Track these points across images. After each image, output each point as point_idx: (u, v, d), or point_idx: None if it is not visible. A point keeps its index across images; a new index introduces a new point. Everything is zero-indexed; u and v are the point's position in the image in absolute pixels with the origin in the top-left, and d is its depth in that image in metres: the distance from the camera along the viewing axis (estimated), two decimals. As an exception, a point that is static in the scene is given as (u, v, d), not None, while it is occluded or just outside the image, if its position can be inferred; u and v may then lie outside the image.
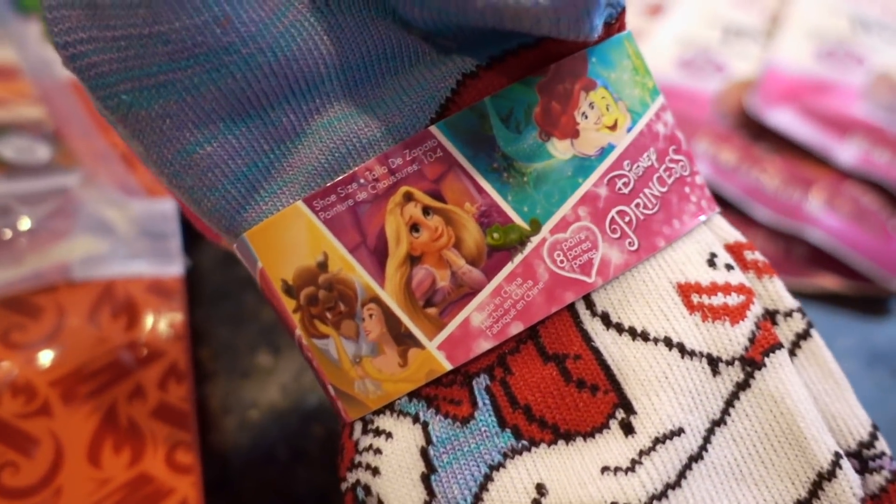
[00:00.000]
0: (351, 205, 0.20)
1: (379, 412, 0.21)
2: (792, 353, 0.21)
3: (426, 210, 0.20)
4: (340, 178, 0.20)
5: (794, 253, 0.41)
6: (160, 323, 0.30)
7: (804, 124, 0.42)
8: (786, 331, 0.21)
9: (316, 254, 0.20)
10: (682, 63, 0.47)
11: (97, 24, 0.18)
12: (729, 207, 0.42)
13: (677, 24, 0.49)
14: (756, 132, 0.43)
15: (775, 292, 0.22)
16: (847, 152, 0.41)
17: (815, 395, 0.21)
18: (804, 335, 0.21)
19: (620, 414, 0.20)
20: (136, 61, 0.18)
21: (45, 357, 0.29)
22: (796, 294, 0.39)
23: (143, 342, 0.30)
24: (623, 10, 0.21)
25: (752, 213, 0.42)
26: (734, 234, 0.22)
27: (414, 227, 0.20)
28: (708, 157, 0.43)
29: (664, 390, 0.20)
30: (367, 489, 0.20)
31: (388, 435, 0.20)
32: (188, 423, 0.28)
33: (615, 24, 0.21)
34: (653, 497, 0.19)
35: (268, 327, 0.35)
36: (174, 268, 0.33)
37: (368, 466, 0.20)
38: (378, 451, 0.20)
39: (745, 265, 0.22)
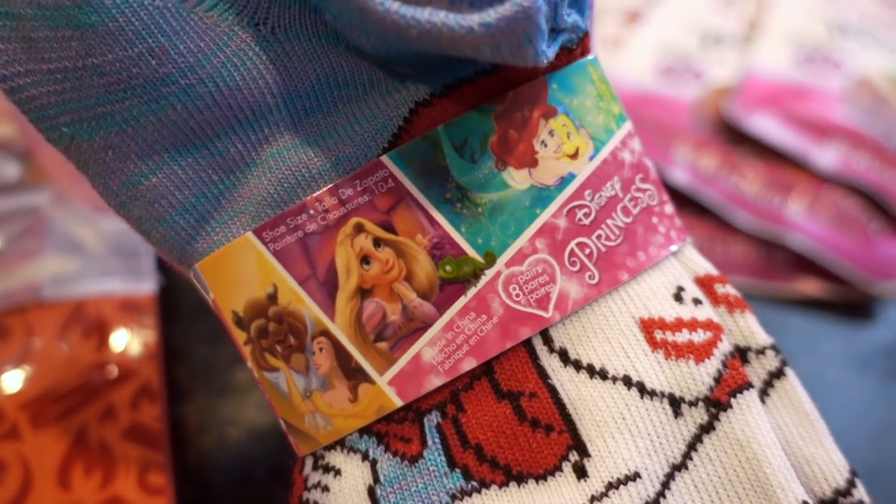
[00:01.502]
0: (300, 236, 0.20)
1: (330, 447, 0.20)
2: (764, 393, 0.20)
3: (377, 242, 0.19)
4: (289, 208, 0.20)
5: (776, 258, 0.40)
6: (132, 342, 0.30)
7: (784, 129, 0.42)
8: (758, 369, 0.20)
9: (266, 286, 0.20)
10: (660, 70, 0.46)
11: (33, 56, 0.18)
12: (709, 214, 0.42)
13: (655, 32, 0.48)
14: (735, 138, 0.43)
15: (747, 328, 0.21)
16: (826, 157, 0.41)
17: (787, 438, 0.20)
18: (777, 374, 0.20)
19: (574, 456, 0.19)
20: (74, 94, 0.18)
21: (14, 379, 0.29)
22: (778, 300, 0.39)
23: (114, 362, 0.30)
24: (586, 34, 0.21)
25: (733, 220, 0.41)
26: (705, 267, 0.21)
27: (364, 260, 0.20)
28: (687, 163, 0.43)
29: (620, 432, 0.19)
30: (314, 528, 0.20)
31: (337, 472, 0.20)
32: (161, 443, 0.28)
33: (577, 49, 0.21)
34: None
35: None
36: (147, 285, 0.32)
37: (315, 504, 0.20)
38: (326, 489, 0.20)
39: (715, 299, 0.21)
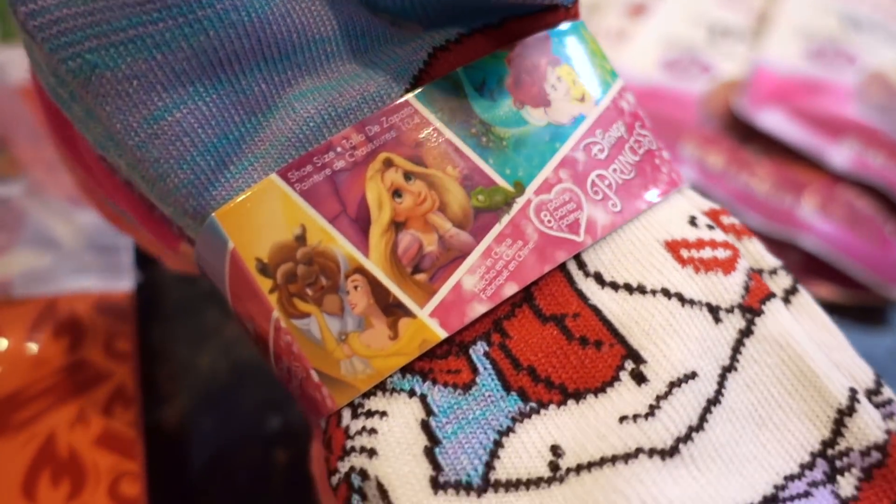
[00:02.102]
0: (328, 174, 0.19)
1: (369, 394, 0.19)
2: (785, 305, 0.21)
3: (407, 175, 0.19)
4: (315, 147, 0.19)
5: (787, 261, 0.37)
6: (107, 342, 0.27)
7: (795, 126, 0.40)
8: (774, 288, 0.21)
9: (293, 227, 0.19)
10: (666, 64, 0.45)
11: None
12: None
13: (661, 24, 0.47)
14: (744, 135, 0.41)
15: (757, 252, 0.22)
16: (840, 155, 0.39)
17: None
18: (792, 290, 0.21)
19: (630, 364, 0.19)
20: (104, 14, 0.17)
21: (-22, 381, 0.25)
22: None
23: (87, 364, 0.27)
24: None
25: (743, 219, 0.38)
26: (708, 203, 0.22)
27: (396, 193, 0.19)
28: (694, 160, 0.41)
29: (671, 337, 0.19)
30: (364, 473, 0.18)
31: (383, 414, 0.19)
32: (135, 451, 0.25)
33: (571, 9, 0.22)
34: (678, 440, 0.17)
35: (231, 345, 0.32)
36: (124, 282, 0.30)
37: (363, 449, 0.18)
38: (373, 432, 0.18)
39: (723, 228, 0.22)
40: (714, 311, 0.20)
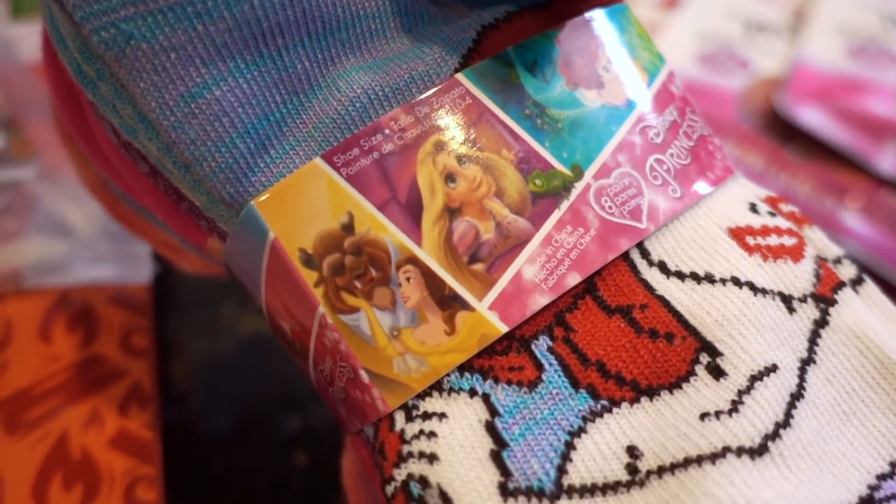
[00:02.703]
0: (377, 158, 0.18)
1: (423, 395, 0.17)
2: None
3: (460, 159, 0.18)
4: (362, 129, 0.18)
5: None
6: (123, 337, 0.26)
7: (837, 127, 0.39)
8: (842, 276, 0.20)
9: (339, 215, 0.18)
10: (702, 58, 0.44)
11: None
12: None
13: (695, 17, 0.45)
14: (785, 134, 0.40)
15: (819, 240, 0.21)
16: (886, 160, 0.38)
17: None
18: (858, 281, 0.20)
19: (705, 358, 0.17)
20: None
21: (-13, 377, 0.24)
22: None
23: (102, 359, 0.25)
24: None
25: None
26: (763, 190, 0.21)
27: (449, 178, 0.18)
28: (732, 159, 0.38)
29: (746, 328, 0.18)
30: (424, 481, 0.16)
31: (442, 416, 0.17)
32: (152, 454, 0.23)
33: (619, -11, 0.21)
34: (766, 437, 0.16)
35: (249, 339, 0.30)
36: (141, 273, 0.28)
37: (422, 455, 0.17)
38: (432, 435, 0.17)
39: (784, 216, 0.21)
40: (787, 300, 0.18)
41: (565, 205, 0.18)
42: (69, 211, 0.27)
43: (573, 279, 0.18)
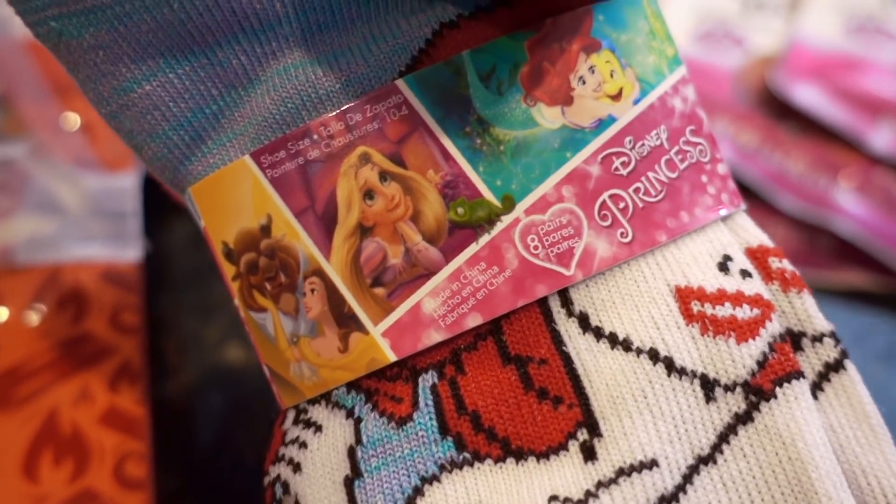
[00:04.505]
0: (301, 163, 0.18)
1: (314, 401, 0.18)
2: (817, 388, 0.17)
3: (383, 175, 0.17)
4: (292, 132, 0.18)
5: (820, 245, 0.38)
6: (113, 315, 0.27)
7: (833, 104, 0.39)
8: (812, 359, 0.17)
9: (260, 216, 0.18)
10: (698, 36, 0.44)
11: None
12: (749, 193, 0.38)
13: None
14: (779, 112, 0.40)
15: (804, 311, 0.18)
16: (881, 137, 0.38)
17: (841, 442, 0.17)
18: (835, 366, 0.17)
19: (583, 435, 0.16)
20: None
21: (-23, 353, 0.26)
22: (821, 290, 0.35)
23: (92, 336, 0.27)
24: None
25: (775, 201, 0.38)
26: (759, 237, 0.18)
27: (368, 194, 0.17)
28: (727, 137, 0.40)
29: (640, 412, 0.16)
30: (286, 487, 0.18)
31: (318, 428, 0.18)
32: (141, 430, 0.25)
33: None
34: None
35: (239, 317, 0.32)
36: (131, 251, 0.29)
37: (291, 461, 0.18)
38: (303, 445, 0.18)
39: (768, 275, 0.18)
40: (709, 385, 0.16)
41: (484, 239, 0.17)
42: (60, 189, 0.28)
43: (474, 320, 0.17)
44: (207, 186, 0.18)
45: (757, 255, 0.18)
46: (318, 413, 0.18)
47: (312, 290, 0.18)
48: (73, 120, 0.31)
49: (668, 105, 0.18)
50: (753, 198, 0.39)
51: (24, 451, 0.24)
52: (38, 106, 0.31)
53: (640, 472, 0.16)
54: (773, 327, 0.17)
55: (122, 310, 0.28)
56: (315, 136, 0.18)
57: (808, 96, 0.39)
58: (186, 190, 0.19)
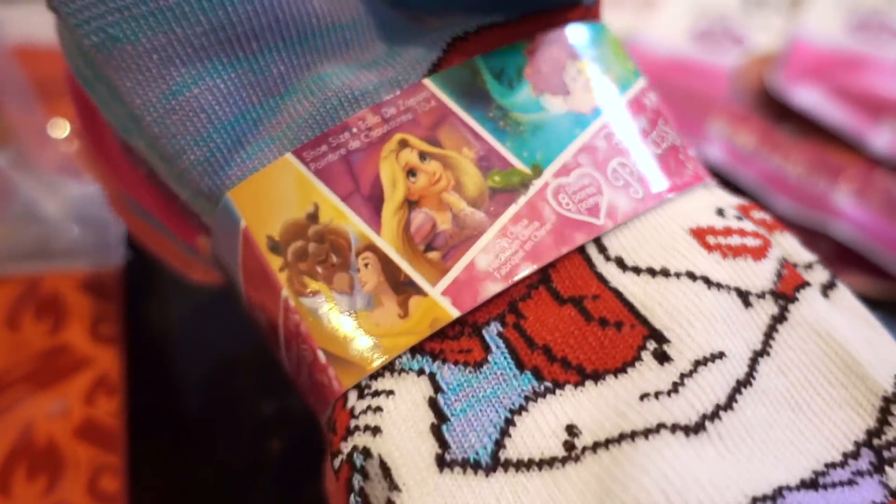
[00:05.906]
0: (343, 154, 0.19)
1: (376, 375, 0.18)
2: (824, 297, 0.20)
3: (422, 155, 0.19)
4: (331, 128, 0.19)
5: (818, 249, 0.32)
6: (92, 325, 0.27)
7: (833, 105, 0.37)
8: (811, 279, 0.20)
9: (306, 205, 0.19)
10: (696, 34, 0.42)
11: None
12: (745, 196, 0.34)
13: None
14: (778, 113, 0.38)
15: (790, 246, 0.21)
16: (881, 138, 0.36)
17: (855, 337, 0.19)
18: (830, 286, 0.20)
19: (652, 344, 0.17)
20: None
21: (-49, 365, 0.24)
22: None
23: (69, 348, 0.26)
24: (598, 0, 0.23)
25: (772, 204, 0.36)
26: (737, 199, 0.22)
27: (410, 172, 0.19)
28: (723, 139, 0.38)
29: (696, 318, 0.18)
30: (367, 452, 0.17)
31: (390, 393, 0.18)
32: (116, 443, 0.24)
33: (592, 9, 0.22)
34: (704, 417, 0.16)
35: (225, 326, 0.30)
36: (112, 261, 0.29)
37: (367, 428, 0.17)
38: (378, 410, 0.17)
39: (754, 222, 0.21)
40: (744, 295, 0.18)
41: (522, 199, 0.19)
42: (43, 199, 0.28)
43: (526, 268, 0.18)
44: (248, 187, 0.19)
45: (740, 209, 0.21)
46: (385, 383, 0.18)
47: (366, 265, 0.18)
48: (62, 126, 0.30)
49: (640, 102, 0.22)
50: (750, 201, 0.34)
51: (-1, 464, 0.22)
52: (21, 114, 0.29)
53: (713, 361, 0.17)
54: (776, 252, 0.20)
55: (101, 320, 0.27)
56: (354, 130, 0.19)
57: (808, 97, 0.37)
58: (223, 197, 0.19)
